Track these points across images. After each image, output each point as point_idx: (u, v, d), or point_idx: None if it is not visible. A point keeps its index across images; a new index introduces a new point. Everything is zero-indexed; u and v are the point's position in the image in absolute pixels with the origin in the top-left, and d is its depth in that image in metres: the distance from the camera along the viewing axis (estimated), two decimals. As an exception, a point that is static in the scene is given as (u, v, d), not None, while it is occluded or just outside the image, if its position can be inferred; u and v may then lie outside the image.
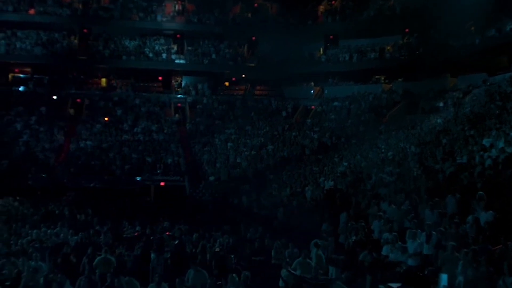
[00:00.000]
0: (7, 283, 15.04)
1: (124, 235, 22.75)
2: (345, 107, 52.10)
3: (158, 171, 46.71)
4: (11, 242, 20.89)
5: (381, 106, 49.16)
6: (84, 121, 54.33)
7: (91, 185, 44.55)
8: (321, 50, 60.93)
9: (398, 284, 16.21)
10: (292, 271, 17.47)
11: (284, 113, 56.49)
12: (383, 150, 36.21)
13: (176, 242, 20.74)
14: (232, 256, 18.53)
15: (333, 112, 52.61)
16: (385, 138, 39.72)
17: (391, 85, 52.82)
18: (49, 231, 22.72)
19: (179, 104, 59.39)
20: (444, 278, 14.93)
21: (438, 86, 46.71)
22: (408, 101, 48.11)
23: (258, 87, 62.93)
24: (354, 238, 21.09)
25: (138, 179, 45.51)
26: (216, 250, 20.67)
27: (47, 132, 51.23)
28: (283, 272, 17.85)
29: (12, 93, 56.45)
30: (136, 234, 22.97)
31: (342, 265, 19.09)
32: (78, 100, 57.97)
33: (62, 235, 22.55)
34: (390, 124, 43.99)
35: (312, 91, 59.21)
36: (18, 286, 15.10)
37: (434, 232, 17.83)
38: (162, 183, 45.76)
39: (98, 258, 18.25)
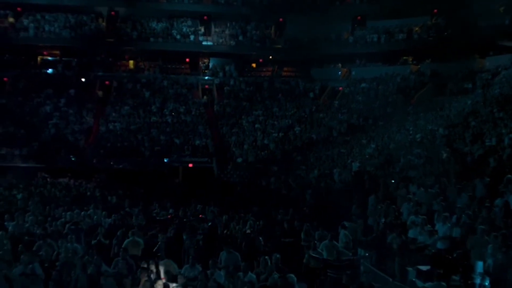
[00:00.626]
0: (45, 265, 15.30)
1: (158, 218, 22.91)
2: (373, 89, 51.90)
3: (186, 153, 46.98)
4: (47, 224, 21.11)
5: (409, 88, 48.89)
6: (112, 103, 54.72)
7: (120, 166, 44.97)
8: (349, 31, 60.47)
9: (427, 267, 16.33)
10: (314, 255, 17.68)
11: (311, 95, 56.45)
12: (411, 132, 36.11)
13: (209, 224, 20.97)
14: (261, 238, 18.59)
15: (361, 93, 52.43)
16: (413, 120, 39.56)
17: (419, 67, 52.44)
18: (82, 213, 23.02)
19: (206, 86, 59.55)
20: (480, 265, 15.02)
21: (466, 68, 46.29)
22: (436, 83, 47.77)
23: (285, 69, 62.90)
24: (383, 220, 21.20)
25: (166, 160, 45.82)
26: (246, 232, 20.88)
27: (76, 114, 51.74)
28: (308, 255, 18.11)
29: (41, 76, 57.04)
30: (169, 216, 23.13)
31: (371, 247, 19.24)
32: (107, 82, 58.46)
33: (95, 217, 22.82)
34: (418, 106, 43.80)
35: (339, 73, 59.04)
36: (56, 268, 15.39)
37: (463, 215, 17.89)
38: (190, 165, 46.04)
39: (126, 240, 18.63)
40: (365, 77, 54.37)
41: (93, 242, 19.06)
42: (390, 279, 16.53)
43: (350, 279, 15.11)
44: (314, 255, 17.87)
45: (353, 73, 57.48)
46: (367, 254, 18.68)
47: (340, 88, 56.15)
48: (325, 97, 55.57)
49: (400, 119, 41.07)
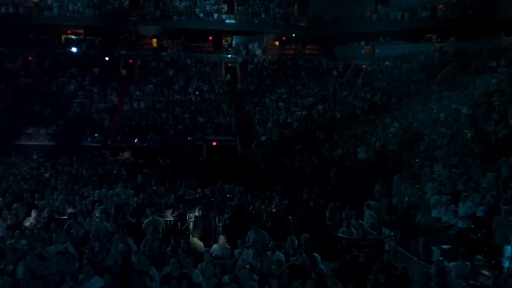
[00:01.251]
0: (76, 243, 15.57)
1: (186, 197, 23.17)
2: (396, 67, 51.73)
3: (210, 131, 47.21)
4: (76, 202, 21.45)
5: (433, 66, 48.67)
6: (136, 81, 55.00)
7: (144, 145, 45.36)
8: (373, 8, 60.10)
9: (451, 246, 16.54)
10: (340, 235, 17.91)
11: (334, 73, 56.33)
12: (435, 111, 36.03)
13: (236, 203, 21.22)
14: (290, 217, 18.78)
15: (384, 71, 52.33)
16: (437, 99, 39.41)
17: (443, 44, 52.16)
18: (110, 191, 23.36)
19: (229, 64, 59.59)
20: (508, 249, 15.20)
21: (491, 45, 45.86)
22: (460, 61, 47.45)
23: (308, 47, 62.62)
24: (407, 199, 21.34)
25: (190, 139, 46.13)
26: (272, 211, 21.12)
27: (100, 93, 52.14)
28: (340, 231, 18.32)
29: (66, 55, 57.45)
30: (197, 196, 23.39)
31: (396, 226, 19.42)
32: (130, 61, 58.69)
33: (122, 196, 23.16)
34: (442, 84, 43.60)
35: (363, 51, 58.74)
36: (86, 246, 15.72)
37: (488, 196, 18.01)
38: (214, 143, 46.31)
39: (146, 220, 18.96)
40: (389, 55, 54.19)
41: (121, 221, 19.31)
42: (415, 258, 16.71)
43: (368, 258, 15.31)
44: (340, 235, 18.11)
45: (377, 51, 57.24)
46: (392, 234, 18.84)
47: (364, 66, 55.98)
48: (348, 75, 55.46)
49: (424, 98, 40.98)
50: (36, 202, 21.29)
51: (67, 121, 47.21)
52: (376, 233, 19.09)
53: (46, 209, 20.20)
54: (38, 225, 17.03)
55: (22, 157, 37.56)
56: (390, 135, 34.40)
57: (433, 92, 42.04)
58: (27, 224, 18.06)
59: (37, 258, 13.08)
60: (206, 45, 62.43)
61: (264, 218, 20.14)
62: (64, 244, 14.61)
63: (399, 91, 46.39)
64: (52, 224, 17.22)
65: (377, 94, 47.48)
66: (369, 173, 27.76)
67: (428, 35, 55.04)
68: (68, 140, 44.31)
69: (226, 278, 12.95)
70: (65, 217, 19.71)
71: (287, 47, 63.17)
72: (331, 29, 57.79)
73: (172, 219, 20.72)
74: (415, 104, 40.51)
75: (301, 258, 14.56)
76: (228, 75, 57.71)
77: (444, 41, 52.50)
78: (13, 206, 19.70)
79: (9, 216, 18.57)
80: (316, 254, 14.56)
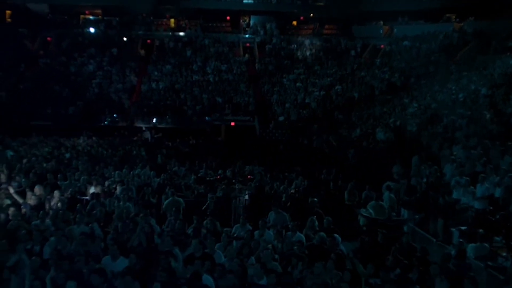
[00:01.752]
0: (100, 224, 15.81)
1: (207, 178, 23.35)
2: (415, 47, 51.60)
3: (228, 111, 47.34)
4: (98, 183, 21.65)
5: (452, 46, 48.49)
6: (154, 62, 55.16)
7: (163, 125, 45.56)
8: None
9: (470, 228, 16.63)
10: (366, 214, 18.04)
11: (353, 53, 56.26)
12: (453, 92, 35.92)
13: (256, 184, 21.39)
14: (316, 199, 18.91)
15: (403, 51, 52.19)
16: (456, 79, 39.29)
17: (462, 24, 51.93)
18: (131, 172, 23.62)
19: (247, 44, 59.62)
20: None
21: (511, 26, 45.53)
22: (480, 41, 47.21)
23: (326, 26, 62.52)
24: (425, 180, 21.43)
25: (208, 119, 46.29)
26: (291, 192, 21.27)
27: (119, 73, 52.44)
28: (359, 213, 18.46)
29: (84, 35, 57.72)
30: (218, 177, 23.58)
31: (414, 207, 19.52)
32: (148, 41, 58.86)
33: (143, 176, 23.41)
34: (461, 65, 43.44)
35: (381, 30, 58.66)
36: (109, 226, 15.97)
37: (506, 177, 18.07)
38: (232, 123, 46.37)
39: (166, 200, 19.22)
40: (408, 35, 54.09)
41: (141, 201, 19.53)
42: (434, 240, 16.83)
43: (390, 239, 15.46)
44: (365, 214, 18.25)
45: (395, 31, 57.10)
46: (417, 217, 18.87)
47: (382, 46, 55.89)
48: (366, 55, 55.38)
49: (443, 78, 40.88)
50: (58, 182, 21.52)
51: (86, 101, 47.47)
52: (394, 213, 19.20)
53: (69, 190, 20.48)
54: (62, 206, 17.21)
55: (42, 138, 37.81)
56: (409, 116, 34.34)
57: (452, 73, 41.93)
58: (51, 204, 18.26)
59: (64, 239, 13.34)
60: (224, 25, 62.53)
61: (284, 199, 20.31)
62: (90, 225, 14.82)
63: (418, 71, 46.31)
64: (78, 205, 17.42)
65: (396, 74, 47.43)
66: (388, 154, 27.83)
67: (447, 15, 54.92)
68: (87, 120, 44.60)
69: (252, 258, 13.15)
70: (87, 197, 19.93)
71: (305, 27, 63.02)
72: (349, 8, 57.65)
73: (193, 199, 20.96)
74: (434, 85, 40.44)
75: (317, 236, 14.76)
76: (246, 55, 57.70)
77: (463, 21, 52.30)
78: (36, 186, 19.93)
79: (32, 197, 18.82)
80: (336, 235, 14.72)
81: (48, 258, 12.29)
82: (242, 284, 11.24)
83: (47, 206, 18.11)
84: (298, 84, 50.53)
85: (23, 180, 21.17)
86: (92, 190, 20.47)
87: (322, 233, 15.03)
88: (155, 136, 42.75)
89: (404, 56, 51.07)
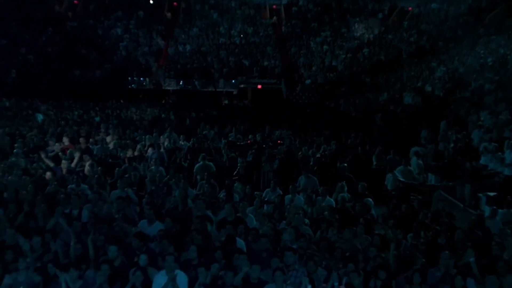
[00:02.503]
0: (134, 188, 16.14)
1: (238, 143, 23.56)
2: (443, 9, 51.10)
3: (255, 74, 47.41)
4: (129, 147, 21.97)
5: (481, 9, 47.86)
6: (181, 24, 55.21)
7: (190, 87, 45.82)
8: None
9: (497, 193, 16.74)
10: (400, 178, 18.21)
11: (380, 15, 55.68)
12: (482, 56, 35.65)
13: (285, 149, 21.63)
14: (345, 164, 19.11)
15: (431, 14, 51.70)
16: (485, 43, 38.92)
17: (491, -14, 51.21)
18: (161, 136, 23.93)
19: (274, 6, 59.23)
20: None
21: (542, -12, 44.93)
22: (509, 4, 46.48)
23: (353, -12, 61.89)
24: (453, 145, 21.50)
25: (234, 82, 46.45)
26: (317, 156, 21.47)
27: (146, 36, 52.57)
28: (388, 176, 18.61)
29: (111, -2, 57.83)
30: (248, 142, 23.78)
31: (442, 172, 19.63)
32: (174, 3, 58.75)
33: (172, 140, 23.71)
34: (489, 28, 42.92)
35: (409, -8, 58.02)
36: (142, 190, 16.31)
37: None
38: (259, 86, 46.44)
39: (197, 164, 19.50)
40: (436, -4, 53.53)
41: (173, 165, 19.81)
42: (461, 205, 16.94)
43: (422, 204, 15.66)
44: (400, 178, 18.42)
45: (423, -8, 56.46)
46: (450, 184, 18.93)
47: (410, 8, 55.22)
48: (394, 17, 54.82)
49: (471, 42, 40.52)
50: (90, 146, 21.86)
51: (113, 64, 47.79)
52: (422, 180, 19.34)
53: (101, 153, 20.82)
54: (97, 170, 17.53)
55: (72, 101, 38.20)
56: (436, 80, 34.22)
57: (480, 36, 41.49)
58: (84, 169, 18.58)
59: (100, 203, 13.71)
60: (250, -13, 62.13)
61: (311, 163, 20.52)
62: (125, 189, 15.15)
63: (446, 34, 45.91)
64: (117, 169, 17.76)
65: (423, 38, 47.14)
66: (415, 119, 27.84)
67: (476, -24, 54.07)
68: (114, 83, 44.94)
69: (283, 223, 13.45)
70: (119, 161, 20.25)
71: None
72: (377, -31, 56.99)
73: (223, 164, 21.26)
74: (462, 48, 40.10)
75: (341, 197, 15.08)
76: (274, 18, 57.40)
77: (493, -17, 51.50)
78: (68, 151, 20.27)
79: (65, 161, 19.18)
80: (369, 199, 14.95)
81: (86, 222, 12.69)
82: (275, 248, 11.54)
83: (80, 170, 18.44)
84: (325, 47, 50.34)
85: (56, 144, 21.50)
86: (123, 154, 20.86)
87: (344, 194, 15.37)
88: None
89: (432, 19, 50.63)
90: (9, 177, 16.35)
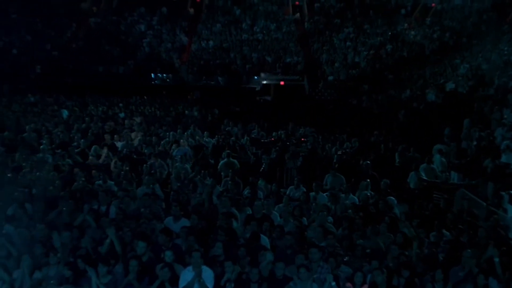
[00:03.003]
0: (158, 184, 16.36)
1: (262, 140, 23.72)
2: (467, 5, 50.80)
3: (278, 70, 47.47)
4: (154, 143, 22.22)
5: (505, 5, 47.43)
6: (204, 20, 55.39)
7: (212, 83, 46.02)
8: None
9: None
10: (421, 176, 18.25)
11: (403, 11, 55.38)
12: (505, 52, 35.44)
13: (309, 147, 21.75)
14: (369, 162, 19.19)
15: (454, 10, 51.44)
16: (508, 39, 38.59)
17: (515, -18, 50.87)
18: (185, 133, 24.13)
19: (297, 3, 58.89)
20: None
21: None
22: (534, -1, 46.36)
23: (376, -16, 61.67)
24: (476, 143, 21.51)
25: (256, 78, 46.59)
26: (338, 153, 21.56)
27: (169, 32, 52.78)
28: (411, 175, 18.64)
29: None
30: (272, 139, 23.93)
31: (465, 170, 19.65)
32: (198, 0, 58.91)
33: (197, 136, 23.91)
34: (514, 25, 42.77)
35: (432, -12, 57.75)
36: (168, 187, 16.53)
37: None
38: (281, 83, 46.51)
39: (221, 161, 19.68)
40: (459, -7, 53.25)
41: (201, 162, 19.92)
42: (484, 204, 16.94)
43: (448, 203, 15.73)
44: (423, 177, 18.47)
45: (447, -12, 56.17)
46: (473, 182, 18.94)
47: (433, 4, 54.89)
48: (417, 14, 54.55)
49: (495, 38, 40.28)
50: (115, 142, 22.12)
51: (137, 61, 48.12)
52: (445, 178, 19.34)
53: (126, 150, 21.07)
54: (125, 167, 17.77)
55: (96, 97, 38.59)
56: (460, 77, 34.12)
57: (504, 33, 41.24)
58: (112, 165, 18.79)
59: (127, 199, 13.94)
60: (273, -17, 62.07)
61: (334, 161, 20.60)
62: (151, 186, 15.37)
63: (469, 31, 45.67)
64: (145, 165, 18.04)
65: (446, 34, 46.90)
66: (438, 116, 27.81)
67: (500, -28, 53.71)
68: (137, 79, 45.25)
69: (304, 220, 13.61)
70: (144, 157, 20.47)
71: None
72: (400, -35, 56.75)
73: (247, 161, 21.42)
74: (486, 45, 39.88)
75: (363, 194, 15.19)
76: (297, 14, 57.33)
77: (517, -21, 51.14)
78: (93, 147, 20.55)
79: (91, 157, 19.46)
80: (392, 198, 15.05)
81: (114, 218, 12.93)
82: (301, 245, 11.70)
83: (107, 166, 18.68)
84: (347, 43, 50.27)
85: (82, 140, 21.77)
86: (147, 150, 21.09)
87: (367, 192, 15.49)
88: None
89: (455, 15, 50.37)
90: (37, 173, 16.60)
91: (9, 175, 16.38)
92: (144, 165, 18.15)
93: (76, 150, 20.18)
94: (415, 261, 11.49)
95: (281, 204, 14.69)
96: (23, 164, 17.73)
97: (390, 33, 50.38)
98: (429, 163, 19.21)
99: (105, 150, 19.87)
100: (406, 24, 51.77)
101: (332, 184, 17.07)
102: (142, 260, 10.56)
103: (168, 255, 10.65)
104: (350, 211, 14.20)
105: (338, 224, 13.62)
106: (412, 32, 49.72)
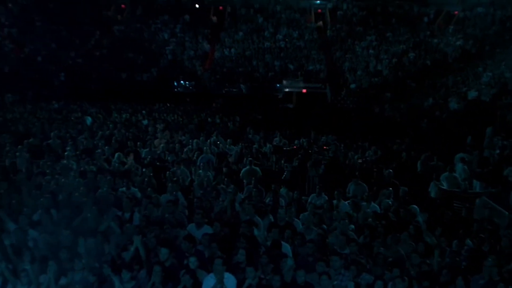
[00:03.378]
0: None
1: (284, 148, 23.82)
2: (490, 13, 50.63)
3: (300, 78, 47.57)
4: (177, 150, 22.40)
5: (528, 12, 47.52)
6: (226, 28, 55.69)
7: (235, 90, 46.20)
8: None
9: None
10: (442, 187, 18.23)
11: (425, 19, 55.34)
12: (529, 61, 35.39)
13: (331, 155, 21.83)
14: (391, 170, 19.21)
15: (477, 18, 51.29)
16: (532, 48, 38.64)
17: (539, -11, 50.65)
18: (208, 140, 24.26)
19: (319, 10, 59.22)
20: None
21: None
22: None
23: (399, -8, 61.64)
24: (498, 152, 21.42)
25: (278, 86, 46.72)
26: (359, 161, 21.60)
27: (192, 40, 53.18)
28: (432, 185, 18.63)
29: (157, 2, 58.44)
30: (294, 147, 24.03)
31: (487, 179, 19.57)
32: (220, 7, 59.22)
33: (220, 144, 24.06)
34: (538, 32, 42.59)
35: (455, -4, 57.60)
36: (190, 194, 16.64)
37: None
38: (303, 90, 46.62)
39: (244, 169, 19.80)
40: (482, 0, 52.97)
41: (225, 169, 20.03)
42: (506, 213, 16.88)
43: (469, 212, 15.70)
44: (442, 187, 18.44)
45: (470, -4, 56.00)
46: (493, 190, 18.88)
47: (456, 12, 54.84)
48: (440, 21, 54.48)
49: (518, 47, 40.21)
50: (139, 150, 22.32)
51: (160, 68, 48.47)
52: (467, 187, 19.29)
53: (149, 157, 21.25)
54: (149, 174, 17.94)
55: (119, 104, 38.93)
56: (483, 86, 34.01)
57: (528, 41, 41.13)
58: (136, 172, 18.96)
59: (151, 206, 14.09)
60: (295, -9, 62.30)
61: (356, 169, 20.63)
62: (175, 193, 15.51)
63: (492, 38, 45.50)
64: (168, 173, 18.19)
65: (469, 42, 46.80)
66: (460, 124, 27.74)
67: (524, -21, 53.48)
68: (160, 87, 45.57)
69: (325, 227, 13.68)
70: (167, 164, 20.62)
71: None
72: (423, -27, 56.72)
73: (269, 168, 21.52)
74: (509, 53, 39.71)
75: (384, 202, 15.24)
76: (320, 22, 57.43)
77: (541, -14, 50.91)
78: (117, 154, 20.74)
79: (116, 165, 19.65)
80: (415, 206, 15.06)
81: (138, 225, 13.07)
82: (322, 253, 11.77)
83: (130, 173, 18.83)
84: (370, 51, 50.30)
85: (106, 147, 22.00)
86: (170, 157, 21.26)
87: (388, 201, 15.52)
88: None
89: (478, 23, 50.25)
90: (62, 179, 16.80)
91: (34, 181, 16.56)
92: (167, 172, 18.24)
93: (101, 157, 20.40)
94: (436, 269, 11.52)
95: (306, 212, 14.70)
96: (48, 170, 17.94)
97: (412, 41, 50.16)
98: (451, 171, 19.16)
99: (131, 157, 20.01)
100: (429, 32, 51.54)
101: (355, 192, 17.11)
102: (165, 266, 10.67)
103: (192, 261, 10.76)
104: (370, 219, 14.22)
105: (359, 232, 13.65)
106: (435, 40, 49.51)
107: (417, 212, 14.85)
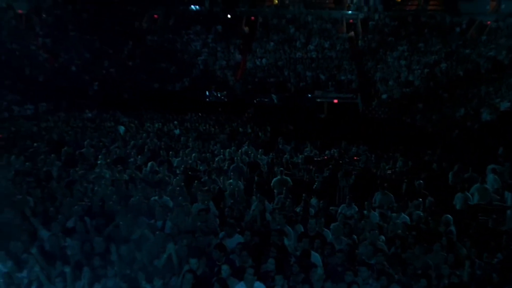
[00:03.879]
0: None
1: (315, 158, 23.94)
2: (523, 23, 50.34)
3: (331, 89, 47.65)
4: (209, 160, 22.60)
5: (561, 22, 47.11)
6: (258, 39, 55.98)
7: (266, 100, 46.40)
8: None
9: None
10: (468, 200, 18.15)
11: (458, 29, 55.07)
12: None
13: (362, 166, 21.89)
14: (421, 181, 19.19)
15: (510, 28, 50.92)
16: None
17: None
18: (239, 150, 24.45)
19: (351, 21, 59.34)
20: None
21: None
22: None
23: (431, 2, 61.26)
24: (530, 163, 21.30)
25: (310, 96, 46.83)
26: (388, 172, 21.62)
27: (224, 50, 53.57)
28: (458, 196, 18.55)
29: (190, 13, 59.12)
30: (325, 157, 24.17)
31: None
32: (252, 18, 59.58)
33: (252, 154, 24.22)
34: None
35: (488, 6, 57.21)
36: (221, 203, 16.79)
37: None
38: (335, 100, 46.69)
39: (274, 179, 19.97)
40: (516, 10, 52.72)
41: (258, 179, 20.21)
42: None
43: (496, 223, 15.66)
44: (469, 201, 18.37)
45: (503, 6, 55.53)
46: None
47: (489, 22, 54.48)
48: (472, 32, 54.23)
49: (552, 57, 39.86)
50: (171, 159, 22.56)
51: (192, 78, 48.85)
52: (498, 197, 19.21)
53: (181, 166, 21.46)
54: (181, 183, 18.13)
55: (153, 114, 39.31)
56: (516, 96, 33.87)
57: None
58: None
59: (182, 214, 14.27)
60: (327, 1, 62.45)
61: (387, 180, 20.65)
62: (206, 202, 15.67)
63: (525, 49, 45.22)
64: (196, 182, 18.24)
65: (502, 52, 46.42)
66: (492, 135, 27.61)
67: (558, -12, 53.10)
68: (192, 97, 45.92)
69: (354, 237, 13.75)
70: (198, 174, 20.78)
71: (409, 3, 62.19)
72: (455, -17, 56.52)
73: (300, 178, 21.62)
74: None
75: (415, 214, 15.25)
76: (352, 32, 57.48)
77: None
78: (149, 163, 20.98)
79: (149, 174, 19.88)
80: (448, 216, 15.03)
81: (169, 233, 13.25)
82: (351, 263, 11.85)
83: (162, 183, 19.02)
84: (401, 61, 50.19)
85: (139, 157, 22.28)
86: (202, 167, 21.44)
87: (419, 212, 15.51)
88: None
89: (511, 33, 49.84)
90: (96, 188, 17.07)
91: (68, 189, 16.83)
92: (196, 181, 18.43)
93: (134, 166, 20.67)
94: (466, 281, 11.53)
95: (336, 222, 14.77)
96: (81, 178, 18.24)
97: (444, 51, 49.96)
98: (482, 183, 19.09)
99: (165, 167, 20.24)
100: (461, 42, 51.30)
101: (381, 202, 17.14)
102: (196, 274, 10.82)
103: (225, 269, 10.88)
104: (399, 231, 14.24)
105: (390, 243, 13.69)
106: (467, 50, 49.26)
107: (450, 222, 14.82)
